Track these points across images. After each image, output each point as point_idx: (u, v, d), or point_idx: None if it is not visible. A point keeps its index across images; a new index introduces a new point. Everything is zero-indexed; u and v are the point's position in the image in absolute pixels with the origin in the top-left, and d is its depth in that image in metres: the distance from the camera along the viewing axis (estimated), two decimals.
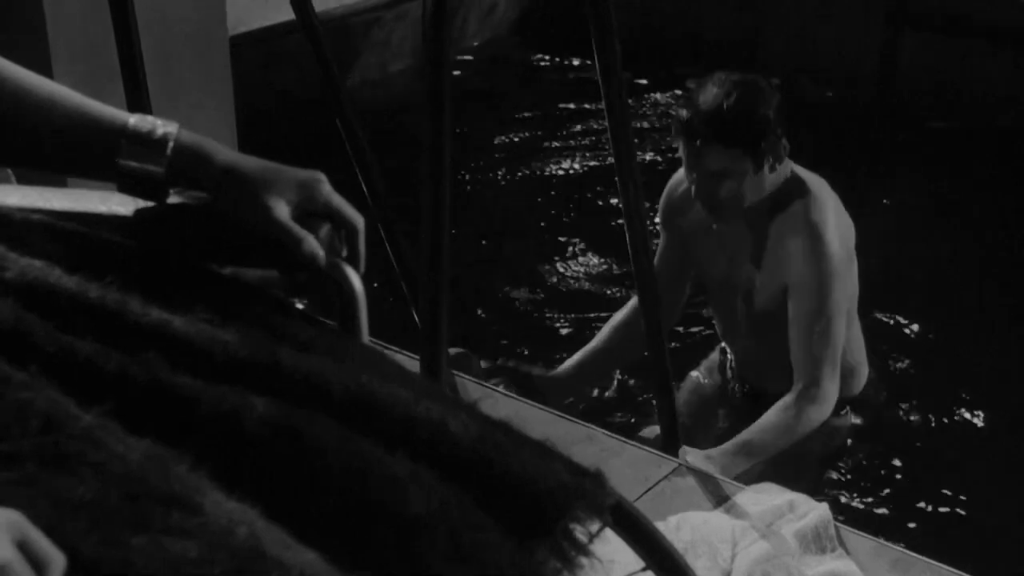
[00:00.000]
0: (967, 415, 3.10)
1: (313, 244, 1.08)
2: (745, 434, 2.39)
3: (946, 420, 3.05)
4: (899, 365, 3.20)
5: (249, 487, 0.88)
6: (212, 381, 0.94)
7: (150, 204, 1.09)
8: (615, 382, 3.03)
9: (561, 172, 4.61)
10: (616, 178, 2.01)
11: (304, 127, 3.96)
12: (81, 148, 1.07)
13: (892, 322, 3.45)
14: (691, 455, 2.26)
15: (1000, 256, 3.98)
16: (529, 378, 2.74)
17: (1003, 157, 4.59)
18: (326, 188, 1.09)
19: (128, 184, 1.06)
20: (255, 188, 1.06)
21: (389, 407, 0.99)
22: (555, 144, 4.86)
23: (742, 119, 2.35)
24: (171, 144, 1.05)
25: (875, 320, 2.81)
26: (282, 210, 1.06)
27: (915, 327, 3.54)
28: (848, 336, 2.54)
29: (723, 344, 2.81)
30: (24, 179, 1.39)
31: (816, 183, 2.48)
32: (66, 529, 0.78)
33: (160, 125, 1.06)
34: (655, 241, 2.70)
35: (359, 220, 1.10)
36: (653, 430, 2.47)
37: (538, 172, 4.62)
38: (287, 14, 4.60)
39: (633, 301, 2.74)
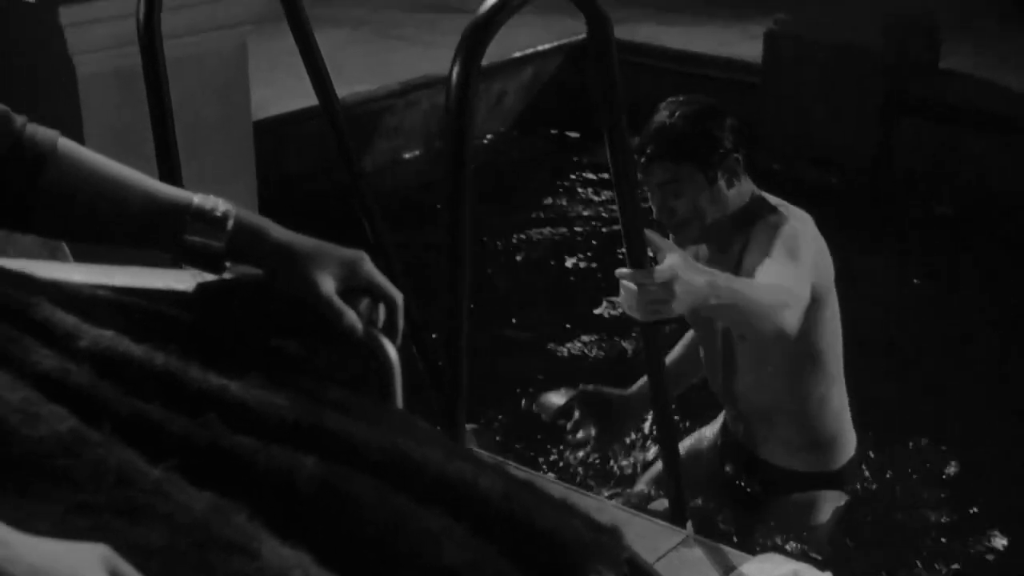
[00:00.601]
0: (963, 484, 3.17)
1: (352, 317, 1.18)
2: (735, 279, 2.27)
3: (943, 488, 3.12)
4: (893, 439, 3.27)
5: (300, 536, 0.97)
6: (265, 441, 1.03)
7: (207, 279, 1.19)
8: (624, 453, 3.10)
9: (566, 250, 4.72)
10: (624, 246, 2.07)
11: (316, 207, 4.07)
12: (151, 225, 1.18)
13: (888, 397, 3.52)
14: (672, 257, 2.06)
15: (1002, 333, 4.05)
16: (605, 400, 2.75)
17: (1003, 237, 4.68)
18: (368, 266, 1.19)
19: (190, 257, 1.17)
20: (303, 264, 1.16)
21: (423, 466, 1.08)
22: (561, 225, 4.96)
23: (686, 133, 2.42)
24: (231, 222, 1.16)
25: (869, 396, 2.89)
26: (327, 285, 1.16)
27: (912, 403, 3.62)
28: (832, 400, 2.59)
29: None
30: (78, 254, 1.49)
31: (785, 204, 2.51)
32: (141, 573, 0.87)
33: (221, 204, 1.17)
34: None
35: (398, 296, 1.20)
36: (662, 502, 2.54)
37: (544, 251, 4.72)
38: (302, 103, 4.75)
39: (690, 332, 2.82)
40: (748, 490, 2.73)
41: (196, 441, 1.01)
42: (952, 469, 3.21)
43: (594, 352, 3.99)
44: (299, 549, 0.95)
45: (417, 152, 5.38)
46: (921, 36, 5.32)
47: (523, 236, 4.87)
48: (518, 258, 4.68)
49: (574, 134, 5.73)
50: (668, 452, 2.30)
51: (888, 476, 3.00)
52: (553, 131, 5.79)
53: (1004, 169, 4.94)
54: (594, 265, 4.60)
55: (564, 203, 5.20)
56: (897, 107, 5.16)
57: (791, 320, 2.22)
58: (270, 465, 1.02)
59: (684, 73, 5.65)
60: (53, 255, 1.42)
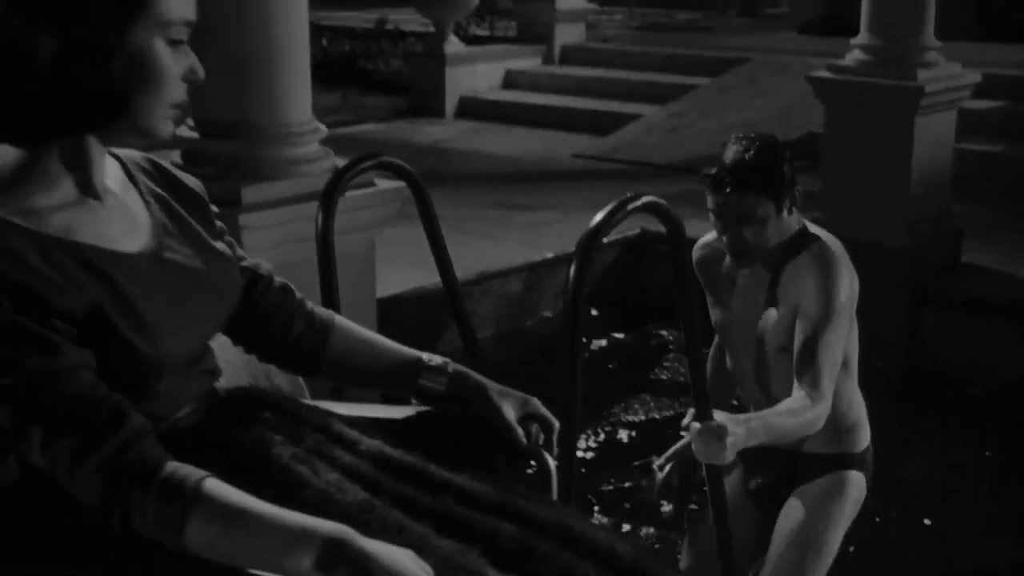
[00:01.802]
0: None
1: (524, 436, 1.74)
2: (765, 411, 2.61)
3: None
4: None
5: (509, 572, 1.51)
6: (480, 512, 1.58)
7: (424, 409, 1.76)
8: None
9: (624, 412, 5.20)
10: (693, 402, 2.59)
11: None
12: (397, 374, 1.76)
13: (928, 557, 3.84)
14: (722, 417, 2.49)
15: None
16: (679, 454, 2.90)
17: None
18: (536, 402, 1.76)
19: (422, 396, 1.74)
20: (494, 399, 1.74)
21: (580, 535, 1.61)
22: (620, 389, 5.43)
23: (764, 168, 2.72)
24: (449, 371, 1.74)
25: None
26: (510, 413, 1.74)
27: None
28: (850, 394, 2.85)
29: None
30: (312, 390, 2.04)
31: (827, 234, 2.85)
32: None
33: (439, 358, 1.75)
34: None
35: (556, 423, 1.77)
36: None
37: (601, 411, 5.22)
38: (394, 290, 5.32)
39: (714, 342, 3.11)
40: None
41: (438, 511, 1.56)
42: None
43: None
44: None
45: (491, 333, 5.96)
46: (943, 233, 5.86)
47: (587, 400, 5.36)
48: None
49: (630, 316, 6.29)
50: (721, 530, 2.67)
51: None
52: (611, 312, 6.35)
53: None
54: (654, 426, 5.06)
55: (621, 372, 5.74)
56: (923, 299, 5.66)
57: (819, 427, 2.65)
58: (484, 528, 1.56)
59: None
60: (300, 392, 1.97)
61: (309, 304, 1.80)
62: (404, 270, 5.20)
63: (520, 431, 1.74)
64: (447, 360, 1.77)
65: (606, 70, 10.52)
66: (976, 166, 7.35)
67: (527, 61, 10.85)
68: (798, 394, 2.64)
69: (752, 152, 2.71)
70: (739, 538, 2.83)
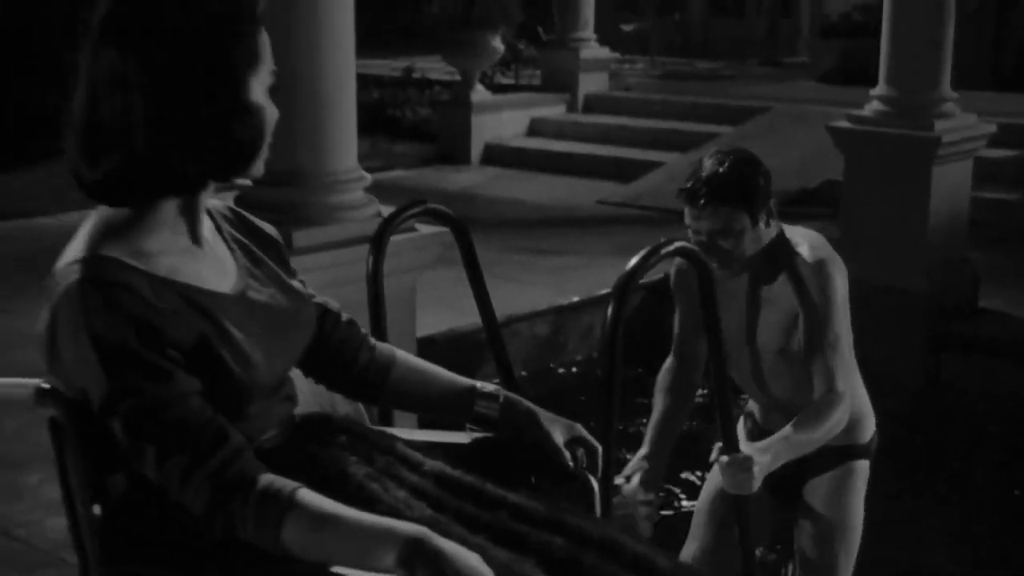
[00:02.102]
0: None
1: (571, 459, 1.91)
2: (786, 430, 2.69)
3: None
4: None
5: None
6: (533, 527, 1.74)
7: (478, 434, 1.93)
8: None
9: None
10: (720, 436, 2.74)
11: None
12: (453, 402, 1.93)
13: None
14: (747, 448, 2.61)
15: None
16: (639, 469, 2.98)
17: None
18: (580, 428, 1.93)
19: (476, 422, 1.91)
20: (543, 424, 1.90)
21: (623, 547, 1.77)
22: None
23: (737, 182, 2.77)
24: (501, 399, 1.91)
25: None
26: (558, 438, 1.90)
27: None
28: (851, 384, 2.84)
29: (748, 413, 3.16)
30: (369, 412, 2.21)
31: (807, 235, 2.91)
32: None
33: (491, 386, 1.92)
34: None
35: (599, 447, 1.93)
36: None
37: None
38: (427, 331, 5.48)
39: (667, 364, 3.22)
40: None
41: (494, 525, 1.73)
42: None
43: None
44: None
45: (517, 374, 6.12)
46: (960, 279, 6.01)
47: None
48: None
49: (653, 358, 6.43)
50: (747, 559, 2.83)
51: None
52: (634, 355, 6.49)
53: None
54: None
55: (642, 409, 5.87)
56: (940, 343, 5.80)
57: (843, 426, 2.74)
58: (537, 541, 1.73)
59: None
60: (362, 419, 2.13)
61: (371, 340, 1.97)
62: (438, 312, 5.38)
63: (567, 454, 1.91)
64: (499, 388, 1.94)
65: (629, 118, 10.75)
66: (992, 214, 7.50)
67: (552, 109, 11.09)
68: (814, 401, 2.72)
69: (727, 165, 2.77)
70: (751, 517, 2.87)
